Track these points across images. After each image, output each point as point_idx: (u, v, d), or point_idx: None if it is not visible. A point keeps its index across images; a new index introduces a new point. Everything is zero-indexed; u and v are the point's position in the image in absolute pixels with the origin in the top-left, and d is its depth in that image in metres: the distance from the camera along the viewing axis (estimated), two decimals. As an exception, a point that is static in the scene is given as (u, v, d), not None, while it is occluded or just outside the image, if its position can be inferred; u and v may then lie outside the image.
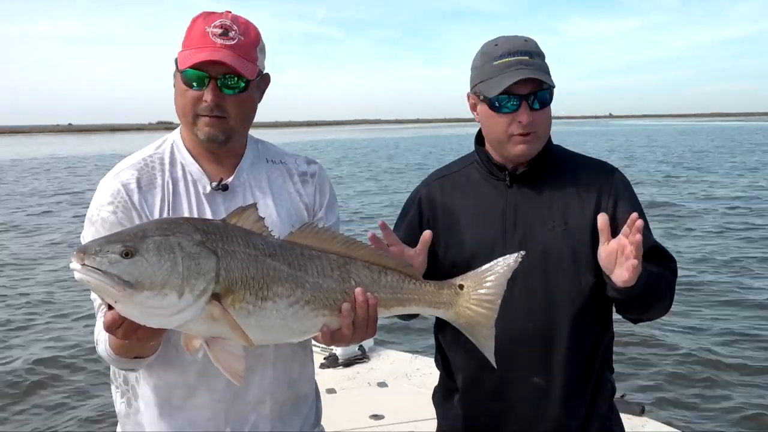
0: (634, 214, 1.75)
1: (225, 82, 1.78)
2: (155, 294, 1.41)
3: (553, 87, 2.00)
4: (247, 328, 1.53)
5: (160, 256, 1.43)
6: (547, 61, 2.05)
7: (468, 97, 2.11)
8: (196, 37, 1.78)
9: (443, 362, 2.21)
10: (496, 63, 1.98)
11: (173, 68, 1.83)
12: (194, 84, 1.77)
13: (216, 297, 1.49)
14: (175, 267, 1.43)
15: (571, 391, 2.01)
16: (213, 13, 1.83)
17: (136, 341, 1.57)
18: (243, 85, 1.80)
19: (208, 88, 1.77)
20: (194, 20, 1.80)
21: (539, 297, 1.87)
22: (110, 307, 1.48)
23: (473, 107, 2.10)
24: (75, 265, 1.39)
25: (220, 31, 1.77)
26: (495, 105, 1.99)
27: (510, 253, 1.90)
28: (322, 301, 1.64)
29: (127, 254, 1.41)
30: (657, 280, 1.90)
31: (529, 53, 1.98)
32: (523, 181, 2.07)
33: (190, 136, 1.87)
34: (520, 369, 1.86)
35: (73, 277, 1.42)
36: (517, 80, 1.93)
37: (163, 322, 1.48)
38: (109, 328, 1.53)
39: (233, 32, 1.79)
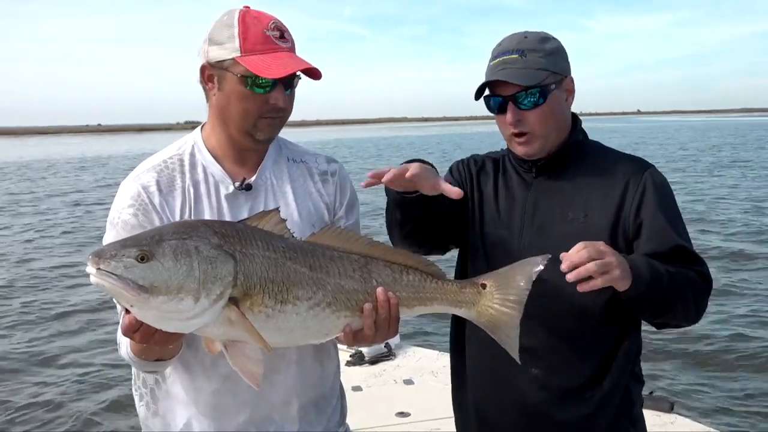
0: (562, 255, 1.69)
1: (290, 83, 1.80)
2: (171, 299, 1.40)
3: (538, 85, 1.91)
4: (266, 331, 1.51)
5: (176, 261, 1.41)
6: (568, 54, 2.02)
7: None
8: (257, 40, 1.75)
9: (455, 351, 2.19)
10: (490, 64, 1.98)
11: (213, 70, 1.79)
12: (264, 88, 1.76)
13: (234, 301, 1.47)
14: (191, 271, 1.42)
15: (576, 389, 1.94)
16: (251, 11, 1.80)
17: (154, 344, 1.56)
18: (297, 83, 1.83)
19: (276, 91, 1.77)
20: (242, 21, 1.76)
21: (548, 288, 1.82)
22: (128, 311, 1.48)
23: None
24: (90, 269, 1.39)
25: (278, 33, 1.78)
26: (487, 105, 2.01)
27: (524, 242, 1.93)
28: (343, 303, 1.62)
29: (142, 258, 1.39)
30: (671, 280, 1.80)
31: (521, 51, 1.93)
32: (548, 173, 2.03)
33: (226, 136, 1.85)
34: (521, 359, 1.80)
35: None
36: (486, 81, 1.94)
37: (179, 326, 1.47)
38: (127, 331, 1.53)
39: (286, 33, 1.80)
